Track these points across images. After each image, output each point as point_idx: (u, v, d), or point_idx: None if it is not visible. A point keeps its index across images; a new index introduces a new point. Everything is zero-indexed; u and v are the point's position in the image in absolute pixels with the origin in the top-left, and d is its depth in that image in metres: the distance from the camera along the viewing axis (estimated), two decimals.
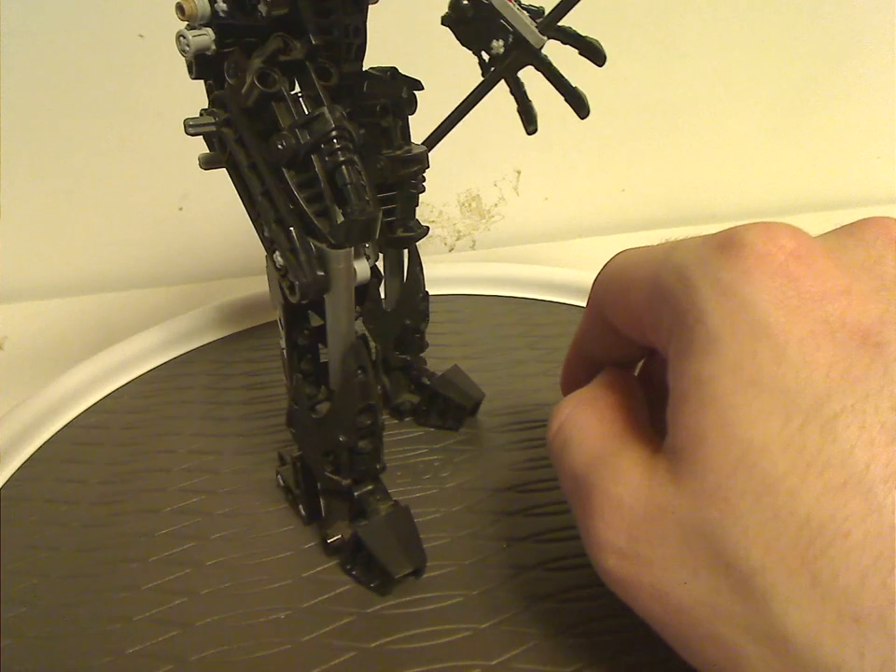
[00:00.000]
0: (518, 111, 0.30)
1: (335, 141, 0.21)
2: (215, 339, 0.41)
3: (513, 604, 0.24)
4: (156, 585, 0.25)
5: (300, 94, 0.22)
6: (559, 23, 0.28)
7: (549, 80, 0.29)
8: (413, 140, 0.29)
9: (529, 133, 0.31)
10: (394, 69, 0.27)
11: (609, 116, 0.58)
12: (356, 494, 0.26)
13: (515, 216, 0.61)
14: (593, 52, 0.28)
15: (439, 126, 0.31)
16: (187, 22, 0.22)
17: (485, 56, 0.29)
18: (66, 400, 0.35)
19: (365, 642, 0.23)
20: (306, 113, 0.21)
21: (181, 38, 0.21)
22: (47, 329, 0.48)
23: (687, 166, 0.61)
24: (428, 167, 0.29)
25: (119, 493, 0.30)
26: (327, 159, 0.21)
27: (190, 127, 0.22)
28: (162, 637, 0.23)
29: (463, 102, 0.31)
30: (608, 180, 0.62)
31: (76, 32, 0.47)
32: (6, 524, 0.28)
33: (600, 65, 0.28)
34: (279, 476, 0.29)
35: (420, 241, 0.31)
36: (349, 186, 0.20)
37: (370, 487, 0.26)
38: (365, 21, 0.24)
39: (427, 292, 0.32)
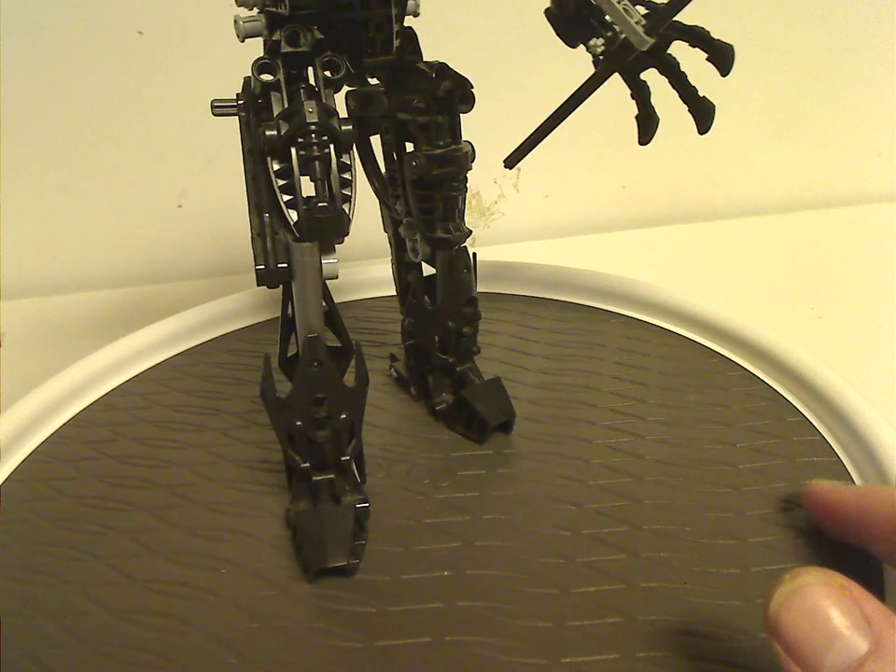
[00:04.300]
0: (636, 117, 0.27)
1: (312, 136, 0.21)
2: (217, 335, 0.41)
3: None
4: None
5: (302, 86, 0.23)
6: (682, 22, 0.24)
7: (673, 86, 0.25)
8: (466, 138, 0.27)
9: (641, 144, 0.27)
10: (442, 65, 0.26)
11: (608, 113, 0.58)
12: (313, 479, 0.26)
13: (515, 213, 0.61)
14: (720, 59, 0.24)
15: (530, 135, 0.28)
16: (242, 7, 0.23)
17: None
18: (66, 397, 0.35)
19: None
20: (301, 104, 0.22)
21: (236, 23, 0.23)
22: (46, 325, 0.48)
23: (686, 163, 0.61)
24: (469, 169, 0.28)
25: (119, 491, 0.29)
26: (302, 152, 0.21)
27: (215, 108, 0.24)
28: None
29: (560, 107, 0.27)
30: (607, 177, 0.62)
31: (75, 29, 0.47)
32: (6, 520, 0.28)
33: (724, 75, 0.24)
34: None
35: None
36: (318, 182, 0.21)
37: (330, 476, 0.26)
38: (391, 17, 0.24)
39: (474, 297, 0.31)
